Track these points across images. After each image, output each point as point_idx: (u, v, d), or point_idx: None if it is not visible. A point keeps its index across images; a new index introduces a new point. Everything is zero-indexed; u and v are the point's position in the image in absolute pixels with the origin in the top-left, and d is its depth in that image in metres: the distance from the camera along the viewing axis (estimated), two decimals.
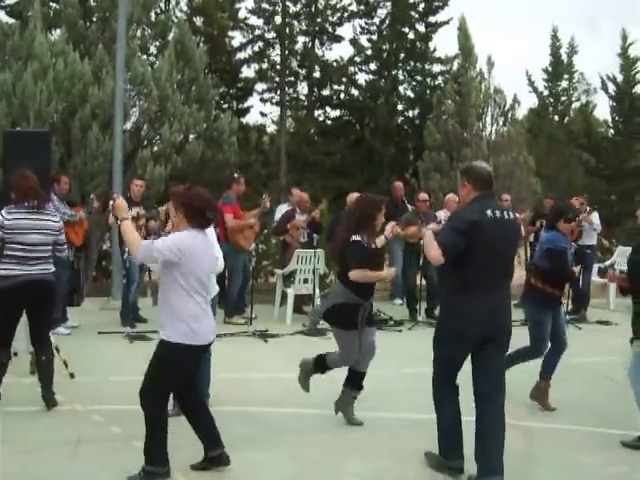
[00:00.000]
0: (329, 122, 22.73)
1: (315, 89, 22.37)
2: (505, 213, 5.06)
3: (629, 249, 7.01)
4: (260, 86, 22.09)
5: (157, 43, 16.47)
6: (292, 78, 22.31)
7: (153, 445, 4.96)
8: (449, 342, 5.11)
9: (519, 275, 13.99)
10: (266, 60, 21.94)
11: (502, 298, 5.13)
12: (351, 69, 22.06)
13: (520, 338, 8.93)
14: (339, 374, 6.49)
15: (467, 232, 4.84)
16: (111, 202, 4.98)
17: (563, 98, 24.29)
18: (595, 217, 12.45)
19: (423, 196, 12.36)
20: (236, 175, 11.59)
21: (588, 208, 12.12)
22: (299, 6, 21.82)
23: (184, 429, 5.50)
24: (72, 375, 7.40)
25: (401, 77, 22.08)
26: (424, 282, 11.92)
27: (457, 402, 5.27)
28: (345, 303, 6.19)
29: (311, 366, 6.57)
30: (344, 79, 21.95)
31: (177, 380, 5.07)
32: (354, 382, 6.39)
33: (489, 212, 4.94)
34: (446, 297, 5.25)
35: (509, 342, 5.23)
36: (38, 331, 6.71)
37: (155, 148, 14.43)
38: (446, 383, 5.24)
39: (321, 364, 6.49)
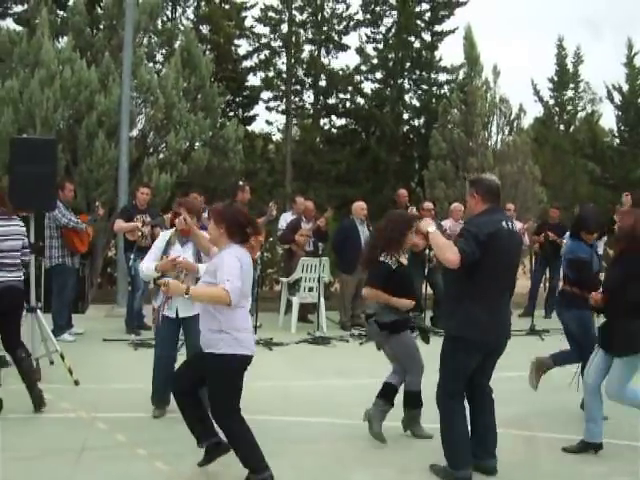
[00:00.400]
0: (335, 130, 22.71)
1: (321, 97, 22.36)
2: (513, 226, 5.21)
3: None
4: (266, 94, 22.09)
5: (163, 51, 16.52)
6: (298, 86, 22.30)
7: (251, 455, 5.02)
8: (462, 351, 5.15)
9: (524, 284, 14.05)
10: (272, 68, 21.94)
11: (506, 307, 5.32)
12: (357, 78, 22.03)
13: (525, 346, 8.91)
14: (344, 382, 6.47)
15: (485, 243, 4.92)
16: (163, 288, 4.90)
17: (569, 107, 24.23)
18: None
19: (428, 205, 12.38)
20: (241, 183, 11.61)
21: None
22: (305, 15, 21.84)
23: (183, 437, 5.51)
24: (77, 382, 7.41)
25: (407, 86, 22.04)
26: (429, 291, 11.90)
27: (465, 412, 5.29)
28: (397, 320, 6.18)
29: (409, 414, 6.33)
30: (350, 88, 21.92)
31: (238, 389, 5.08)
32: (388, 397, 6.31)
33: (504, 224, 5.07)
34: (455, 305, 5.22)
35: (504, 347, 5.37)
36: (14, 336, 6.81)
37: (161, 156, 14.48)
38: (457, 393, 5.25)
39: (414, 399, 6.27)
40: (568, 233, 7.40)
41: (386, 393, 6.26)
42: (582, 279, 6.82)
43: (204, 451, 5.19)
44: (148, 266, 6.45)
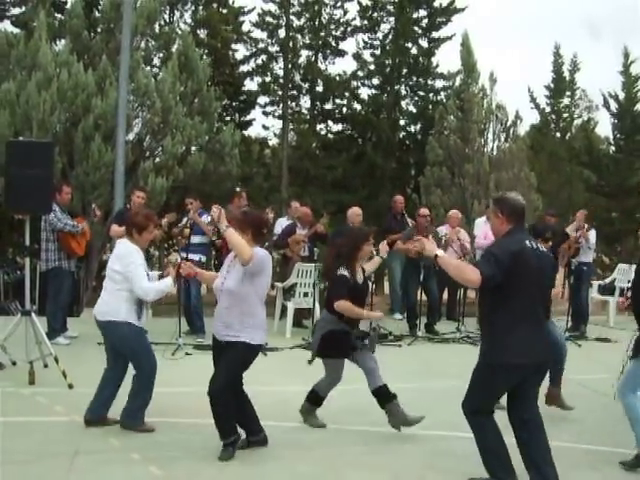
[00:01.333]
0: (331, 136, 22.75)
1: (318, 103, 22.40)
2: (539, 246, 5.13)
3: (628, 266, 6.99)
4: (263, 99, 22.16)
5: (161, 55, 16.53)
6: (295, 92, 22.36)
7: (224, 422, 5.64)
8: (494, 376, 5.03)
9: None
10: (269, 73, 22.00)
11: (545, 327, 5.24)
12: (354, 83, 22.09)
13: None
14: (338, 388, 6.47)
15: (508, 265, 4.81)
16: (213, 214, 5.60)
17: (565, 115, 24.36)
18: (592, 235, 12.44)
19: (424, 211, 12.38)
20: (238, 189, 11.63)
21: (586, 225, 12.09)
22: (303, 20, 21.91)
23: (177, 441, 5.50)
24: (71, 386, 7.39)
25: (403, 92, 22.10)
26: (424, 297, 11.90)
27: (494, 422, 5.17)
28: (332, 331, 6.39)
29: (307, 406, 6.68)
30: (347, 93, 21.97)
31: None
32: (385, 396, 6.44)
33: (528, 243, 5.00)
34: (487, 329, 5.15)
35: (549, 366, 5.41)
36: None
37: (157, 159, 14.49)
38: (485, 411, 5.14)
39: (315, 399, 6.64)
40: None
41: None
42: None
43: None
44: (167, 283, 6.18)
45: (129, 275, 6.02)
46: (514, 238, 5.02)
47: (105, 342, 6.52)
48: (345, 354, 6.44)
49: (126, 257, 6.10)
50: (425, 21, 21.73)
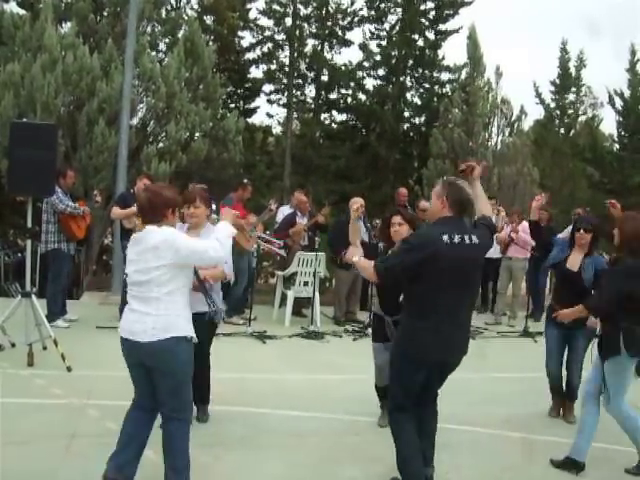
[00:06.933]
0: (335, 126, 22.76)
1: (322, 92, 22.41)
2: (467, 237, 4.65)
3: None
4: (268, 87, 22.18)
5: (167, 40, 16.50)
6: (300, 80, 22.36)
7: None
8: (406, 366, 4.82)
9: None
10: (275, 61, 22.00)
11: (456, 324, 4.78)
12: (359, 74, 22.09)
13: (517, 348, 8.91)
14: (336, 378, 6.48)
15: (415, 256, 4.54)
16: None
17: (570, 111, 24.30)
18: None
19: (424, 205, 12.37)
20: (245, 181, 11.58)
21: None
22: (310, 9, 21.88)
23: None
24: (69, 369, 7.40)
25: (409, 84, 22.09)
26: None
27: (412, 422, 4.97)
28: (375, 314, 6.39)
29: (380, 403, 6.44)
30: (352, 83, 21.98)
31: None
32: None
33: (445, 237, 4.56)
34: (402, 320, 4.92)
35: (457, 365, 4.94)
36: None
37: (160, 145, 14.47)
38: (402, 408, 4.92)
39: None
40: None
41: None
42: None
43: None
44: None
45: None
46: (437, 227, 4.68)
47: None
48: (378, 339, 6.24)
49: None
50: (432, 13, 21.69)
